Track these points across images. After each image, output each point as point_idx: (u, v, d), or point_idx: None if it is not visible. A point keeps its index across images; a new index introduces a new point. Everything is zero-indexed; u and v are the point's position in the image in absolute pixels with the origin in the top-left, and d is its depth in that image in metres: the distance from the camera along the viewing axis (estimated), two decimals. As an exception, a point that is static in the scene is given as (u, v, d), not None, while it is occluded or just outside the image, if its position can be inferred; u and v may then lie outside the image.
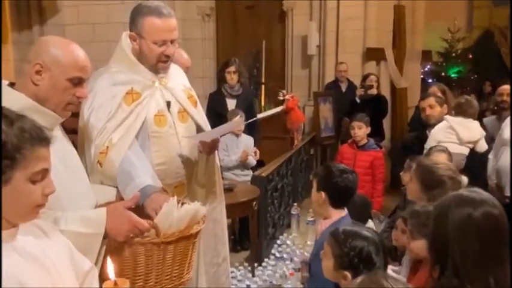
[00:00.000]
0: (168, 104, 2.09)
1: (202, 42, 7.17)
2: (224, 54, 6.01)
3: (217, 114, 4.29)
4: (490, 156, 3.61)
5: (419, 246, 1.79)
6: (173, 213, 1.54)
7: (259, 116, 4.95)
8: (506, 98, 4.19)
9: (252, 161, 4.22)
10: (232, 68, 4.31)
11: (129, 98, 1.99)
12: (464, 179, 2.24)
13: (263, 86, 6.38)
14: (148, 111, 2.01)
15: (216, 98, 4.41)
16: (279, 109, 5.19)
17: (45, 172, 1.11)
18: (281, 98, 5.07)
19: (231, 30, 7.27)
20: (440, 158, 2.71)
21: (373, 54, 6.52)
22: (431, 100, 4.05)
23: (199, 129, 2.24)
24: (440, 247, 1.39)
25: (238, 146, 4.25)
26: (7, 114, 1.08)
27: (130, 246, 1.49)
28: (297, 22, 6.83)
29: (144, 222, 1.49)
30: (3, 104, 1.17)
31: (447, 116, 3.81)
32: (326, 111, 6.10)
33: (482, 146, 3.68)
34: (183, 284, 1.61)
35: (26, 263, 1.09)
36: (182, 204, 1.63)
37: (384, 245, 1.72)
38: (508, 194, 3.23)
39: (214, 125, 4.09)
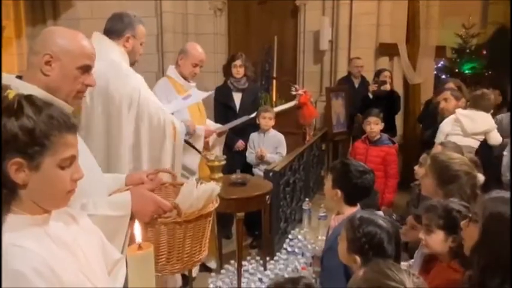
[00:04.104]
0: None
1: (214, 37, 7.17)
2: (236, 49, 6.00)
3: (224, 107, 4.35)
4: (505, 152, 3.58)
5: (436, 239, 1.79)
6: (193, 193, 1.59)
7: (276, 108, 4.98)
8: None
9: (273, 158, 4.25)
10: (238, 62, 4.36)
11: None
12: (481, 177, 2.21)
13: (275, 81, 6.36)
14: None
15: (223, 92, 4.46)
16: (291, 104, 5.17)
17: (73, 158, 1.13)
18: (294, 92, 5.05)
19: (243, 25, 7.26)
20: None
21: (386, 50, 6.48)
22: (446, 94, 4.06)
23: None
24: (492, 250, 1.38)
25: (265, 142, 4.32)
26: (35, 102, 1.09)
27: (154, 227, 1.54)
28: (310, 17, 6.80)
29: (167, 203, 1.55)
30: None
31: (458, 109, 3.80)
32: (338, 106, 6.07)
33: (495, 139, 3.65)
34: (200, 261, 1.69)
35: (58, 248, 1.11)
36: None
37: (398, 235, 1.73)
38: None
39: (222, 117, 4.21)
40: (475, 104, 3.80)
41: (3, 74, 1.44)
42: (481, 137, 3.66)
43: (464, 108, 3.91)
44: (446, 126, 3.77)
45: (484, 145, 3.61)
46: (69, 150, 1.12)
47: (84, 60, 1.58)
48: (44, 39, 1.57)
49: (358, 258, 1.65)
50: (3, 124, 1.04)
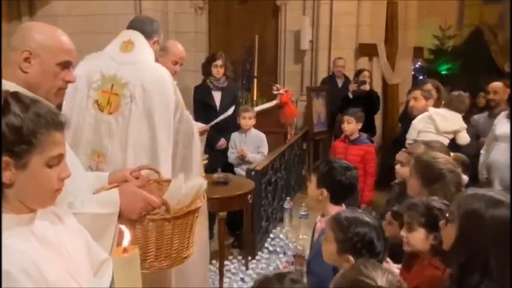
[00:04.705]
0: None
1: (194, 35, 7.14)
2: (216, 48, 5.99)
3: (205, 106, 4.34)
4: (482, 151, 3.68)
5: (417, 237, 1.81)
6: (181, 189, 1.58)
7: (257, 108, 5.00)
8: (494, 96, 4.27)
9: (254, 158, 4.26)
10: (219, 62, 4.37)
11: None
12: (465, 177, 2.26)
13: (256, 80, 6.37)
14: None
15: (202, 91, 4.47)
16: (273, 103, 5.19)
17: (61, 157, 1.11)
18: (275, 92, 5.07)
19: (224, 24, 7.24)
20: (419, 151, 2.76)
21: (366, 50, 6.57)
22: (416, 93, 4.18)
23: None
24: (471, 247, 1.40)
25: (247, 142, 4.32)
26: (22, 100, 1.07)
27: (142, 224, 1.53)
28: (290, 17, 6.83)
29: (156, 199, 1.53)
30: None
31: (430, 108, 3.90)
32: (319, 106, 6.13)
33: (464, 139, 3.76)
34: (188, 257, 1.67)
35: (43, 248, 1.09)
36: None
37: (383, 230, 1.77)
38: (498, 187, 3.29)
39: (203, 115, 4.21)
40: (450, 104, 3.90)
41: None
42: (451, 136, 3.76)
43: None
44: (418, 124, 3.87)
45: (452, 144, 3.70)
46: (57, 149, 1.09)
47: (64, 56, 1.54)
48: (22, 35, 1.53)
49: (351, 258, 1.65)
50: None
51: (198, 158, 2.56)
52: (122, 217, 1.49)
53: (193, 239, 1.68)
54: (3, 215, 1.05)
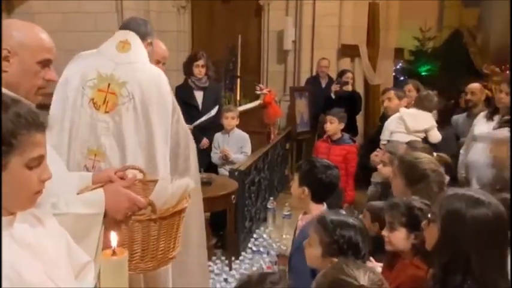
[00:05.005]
0: None
1: (177, 34, 7.11)
2: (199, 48, 5.96)
3: (187, 106, 4.31)
4: (462, 151, 3.75)
5: (398, 236, 1.83)
6: (167, 190, 1.57)
7: (240, 108, 5.00)
8: (471, 97, 4.37)
9: (237, 158, 4.26)
10: (200, 62, 4.36)
11: None
12: (447, 178, 2.30)
13: (239, 80, 6.36)
14: None
15: (184, 90, 4.45)
16: (256, 103, 5.20)
17: (41, 158, 1.09)
18: (258, 92, 5.08)
19: (207, 23, 7.22)
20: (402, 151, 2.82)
21: (348, 51, 6.64)
22: (390, 93, 4.28)
23: None
24: (453, 247, 1.42)
25: (230, 142, 4.32)
26: (2, 99, 1.05)
27: (127, 224, 1.51)
28: (273, 17, 6.87)
29: (142, 200, 1.52)
30: None
31: (401, 108, 3.99)
32: (302, 106, 6.16)
33: (435, 137, 3.85)
34: (174, 258, 1.66)
35: (22, 250, 1.08)
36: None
37: (367, 231, 1.80)
38: (476, 186, 3.36)
39: (185, 115, 4.16)
40: (419, 103, 4.00)
41: None
42: (422, 135, 3.84)
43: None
44: (391, 124, 3.96)
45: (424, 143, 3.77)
46: (38, 150, 1.07)
47: (44, 54, 1.51)
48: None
49: (333, 259, 1.65)
50: None
51: (195, 157, 2.57)
52: (106, 217, 1.47)
53: (179, 239, 1.66)
54: None
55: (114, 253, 1.06)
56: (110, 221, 1.48)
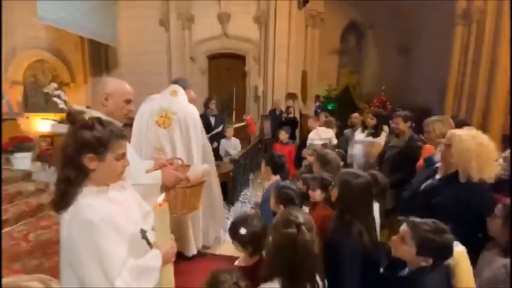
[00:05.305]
0: None
1: (201, 87, 6.97)
2: (212, 94, 5.94)
3: (206, 125, 4.26)
4: (349, 148, 3.80)
5: (317, 193, 1.82)
6: (196, 171, 1.58)
7: (235, 126, 4.95)
8: (353, 121, 4.43)
9: (233, 153, 4.22)
10: (213, 102, 4.36)
11: None
12: (341, 163, 2.31)
13: (234, 111, 6.34)
14: None
15: (204, 117, 4.36)
16: (243, 123, 5.16)
17: (124, 154, 1.06)
18: (244, 118, 5.06)
19: (216, 81, 7.14)
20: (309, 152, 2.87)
21: (291, 96, 6.65)
22: (311, 120, 4.31)
23: None
24: (345, 200, 1.42)
25: (230, 146, 4.27)
26: (102, 121, 1.02)
27: (174, 190, 1.48)
28: (252, 78, 6.82)
29: (182, 176, 1.51)
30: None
31: (317, 126, 4.05)
32: (267, 125, 6.15)
33: (334, 142, 3.94)
34: (198, 208, 1.63)
35: (114, 206, 1.03)
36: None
37: (300, 190, 1.79)
38: (356, 167, 3.40)
39: (206, 130, 4.10)
40: (326, 124, 4.07)
41: (81, 106, 1.33)
42: (328, 141, 3.90)
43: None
44: (311, 135, 4.01)
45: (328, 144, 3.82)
46: (122, 149, 1.05)
47: (127, 96, 1.47)
48: (102, 84, 1.46)
49: (281, 206, 1.65)
50: (82, 134, 0.96)
51: (211, 153, 2.58)
52: (162, 186, 1.44)
53: (200, 198, 1.63)
54: (89, 188, 0.99)
55: (160, 205, 1.03)
56: (164, 188, 1.46)
